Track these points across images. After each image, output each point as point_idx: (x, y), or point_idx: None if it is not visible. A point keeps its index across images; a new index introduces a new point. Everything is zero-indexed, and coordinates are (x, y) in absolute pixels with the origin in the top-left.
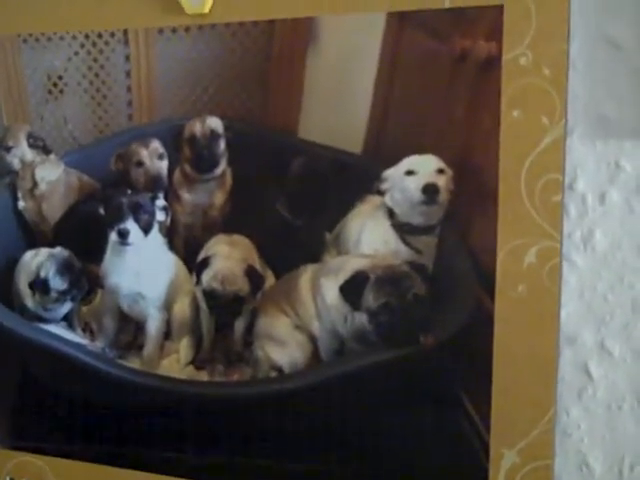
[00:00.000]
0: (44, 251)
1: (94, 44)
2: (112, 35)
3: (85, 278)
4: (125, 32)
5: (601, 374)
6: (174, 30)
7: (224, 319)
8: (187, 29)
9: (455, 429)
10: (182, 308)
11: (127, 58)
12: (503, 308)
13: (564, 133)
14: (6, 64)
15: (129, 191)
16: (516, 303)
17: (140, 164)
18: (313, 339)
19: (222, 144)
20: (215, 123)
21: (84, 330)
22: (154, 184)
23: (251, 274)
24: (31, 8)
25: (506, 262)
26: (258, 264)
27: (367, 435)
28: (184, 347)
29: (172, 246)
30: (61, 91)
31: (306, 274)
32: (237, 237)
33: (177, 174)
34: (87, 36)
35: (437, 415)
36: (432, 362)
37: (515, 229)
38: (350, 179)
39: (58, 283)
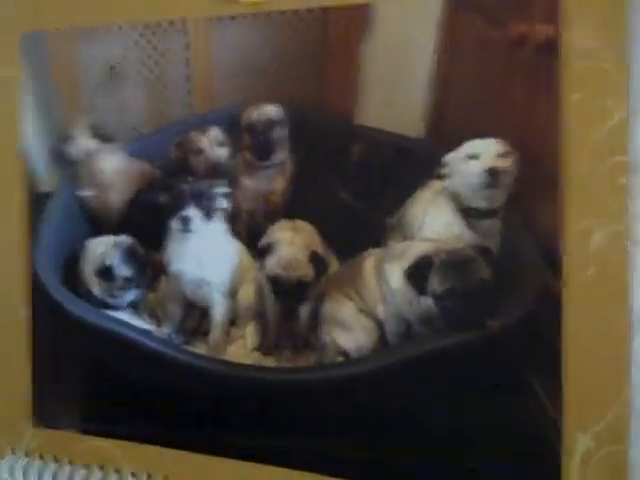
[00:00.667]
0: (109, 239)
1: (154, 33)
2: (171, 24)
3: (149, 265)
4: (184, 21)
5: None
6: (232, 18)
7: (289, 304)
8: (243, 17)
9: (526, 414)
10: (247, 294)
11: (186, 46)
12: (572, 291)
13: (628, 114)
14: (67, 56)
15: (190, 178)
16: (585, 286)
17: (200, 151)
18: (379, 323)
19: (279, 131)
20: (271, 110)
21: (150, 316)
22: (214, 171)
23: (315, 259)
24: (88, 2)
25: (573, 245)
26: (321, 249)
27: (434, 421)
28: (250, 333)
29: (234, 232)
30: (121, 81)
31: (370, 259)
32: (300, 223)
33: (238, 161)
34: (147, 25)
35: (507, 400)
36: (500, 346)
37: (581, 211)
38: (411, 164)
39: (123, 270)
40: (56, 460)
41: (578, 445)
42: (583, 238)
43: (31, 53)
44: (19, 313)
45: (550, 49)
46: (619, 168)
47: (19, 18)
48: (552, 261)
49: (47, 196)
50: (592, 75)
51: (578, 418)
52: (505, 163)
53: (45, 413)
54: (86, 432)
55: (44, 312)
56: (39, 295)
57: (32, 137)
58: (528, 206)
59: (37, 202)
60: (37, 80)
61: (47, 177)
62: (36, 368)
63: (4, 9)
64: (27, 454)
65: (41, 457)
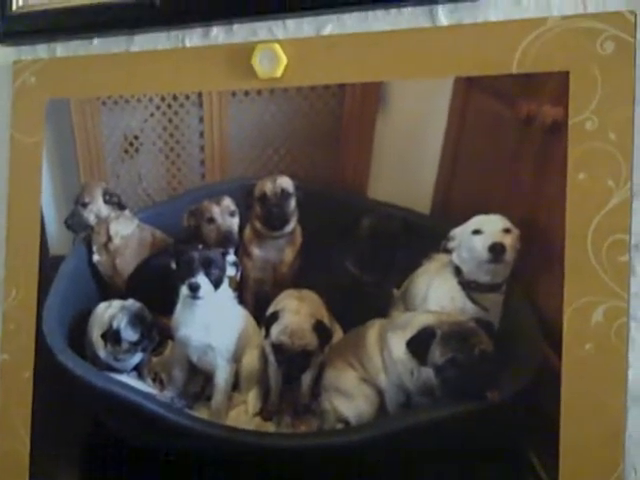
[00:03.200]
0: (117, 303)
1: (169, 106)
2: (187, 97)
3: (156, 330)
4: (199, 95)
5: None
6: (247, 93)
7: (292, 372)
8: (259, 92)
9: None
10: (251, 360)
11: (201, 119)
12: (570, 366)
13: (630, 195)
14: (85, 125)
15: (200, 246)
16: (583, 361)
17: (212, 220)
18: (380, 392)
19: (292, 203)
20: (286, 182)
21: (154, 380)
22: (225, 240)
23: (319, 329)
24: (111, 72)
25: (573, 320)
26: (326, 319)
27: None
28: (252, 398)
29: (242, 300)
30: (137, 150)
31: (373, 329)
32: (306, 292)
33: (248, 231)
34: (163, 98)
35: (503, 472)
36: (498, 418)
37: (582, 288)
38: (418, 237)
39: (129, 334)
40: None
41: None
42: (583, 314)
43: (55, 119)
44: (23, 375)
45: (557, 130)
46: (620, 246)
47: (45, 85)
48: (552, 336)
49: (59, 259)
50: (596, 156)
51: None
52: (509, 239)
53: (43, 472)
54: None
55: (48, 374)
56: (44, 356)
57: (49, 202)
58: (530, 281)
59: (49, 265)
60: (59, 146)
61: (60, 241)
62: (35, 429)
63: (32, 75)
64: None
65: None
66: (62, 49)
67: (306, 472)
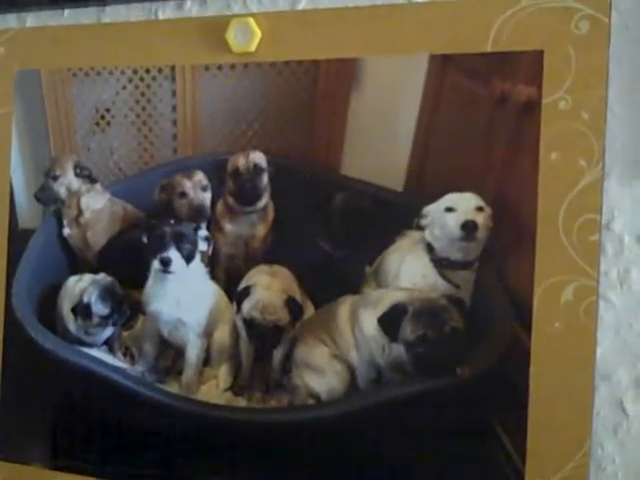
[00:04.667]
0: (87, 277)
1: (142, 79)
2: (159, 71)
3: (127, 304)
4: (172, 68)
5: (636, 410)
6: (220, 67)
7: (263, 347)
8: (233, 66)
9: (490, 461)
10: (222, 335)
11: (173, 93)
12: (539, 343)
13: (602, 175)
14: (56, 96)
15: (172, 221)
16: (552, 339)
17: (183, 195)
18: (351, 368)
19: (265, 178)
20: (259, 158)
21: (124, 354)
22: (197, 215)
23: (291, 304)
24: (82, 43)
25: (543, 299)
26: (298, 295)
27: (401, 465)
28: (223, 373)
29: (213, 275)
30: (108, 123)
31: (345, 305)
32: (278, 268)
33: (220, 206)
34: (135, 71)
35: (472, 447)
36: (468, 394)
37: (552, 267)
38: (390, 214)
39: (100, 308)
40: None
41: None
42: (553, 292)
43: (25, 90)
44: None
45: (531, 109)
46: (590, 226)
47: (15, 56)
48: (522, 313)
49: (29, 233)
50: (569, 136)
51: (540, 467)
52: (482, 217)
53: (13, 447)
54: (54, 468)
55: (17, 347)
56: (13, 330)
57: (19, 174)
58: (502, 259)
59: (19, 238)
60: (29, 118)
61: (30, 214)
62: (4, 401)
63: (2, 46)
64: None
65: None
66: (32, 19)
67: (276, 447)
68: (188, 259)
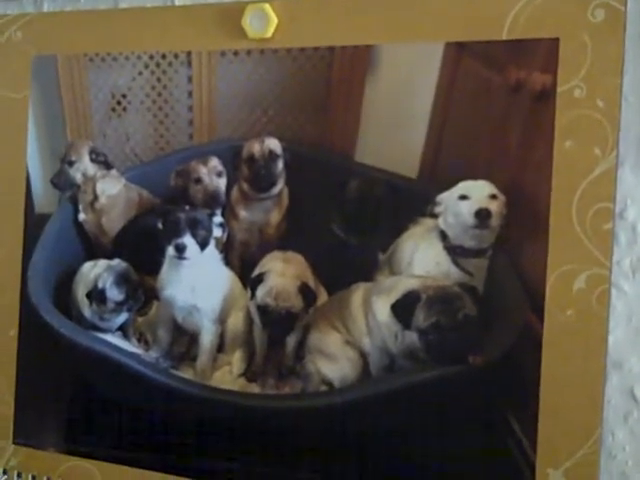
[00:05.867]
0: (102, 262)
1: (158, 65)
2: (176, 56)
3: (141, 290)
4: (188, 54)
5: None
6: (236, 53)
7: (277, 334)
8: (249, 52)
9: (501, 448)
10: (236, 322)
11: (189, 79)
12: (552, 331)
13: (616, 164)
14: (72, 82)
15: (187, 207)
16: (564, 327)
17: (199, 181)
18: (363, 355)
19: (280, 164)
20: (274, 144)
21: (139, 340)
22: (212, 201)
23: (304, 291)
24: (99, 29)
25: (556, 287)
26: (311, 281)
27: (414, 452)
28: (237, 360)
29: (228, 261)
30: (124, 109)
31: (358, 292)
32: (292, 254)
33: (235, 192)
34: (151, 57)
35: (484, 434)
36: (480, 382)
37: (565, 255)
38: (404, 202)
39: (115, 294)
40: (35, 479)
41: None
42: (566, 280)
43: (42, 76)
44: (8, 333)
45: (546, 97)
46: (604, 214)
47: (31, 41)
48: (534, 301)
49: (45, 218)
50: (584, 124)
51: (551, 454)
52: (495, 205)
53: (27, 432)
54: (68, 452)
55: (33, 332)
56: (29, 315)
57: (35, 160)
58: (515, 247)
59: (35, 224)
60: (45, 103)
61: (46, 199)
62: (20, 387)
63: (19, 30)
64: (5, 472)
65: (19, 475)
66: (49, 4)
67: (289, 434)
68: (203, 245)
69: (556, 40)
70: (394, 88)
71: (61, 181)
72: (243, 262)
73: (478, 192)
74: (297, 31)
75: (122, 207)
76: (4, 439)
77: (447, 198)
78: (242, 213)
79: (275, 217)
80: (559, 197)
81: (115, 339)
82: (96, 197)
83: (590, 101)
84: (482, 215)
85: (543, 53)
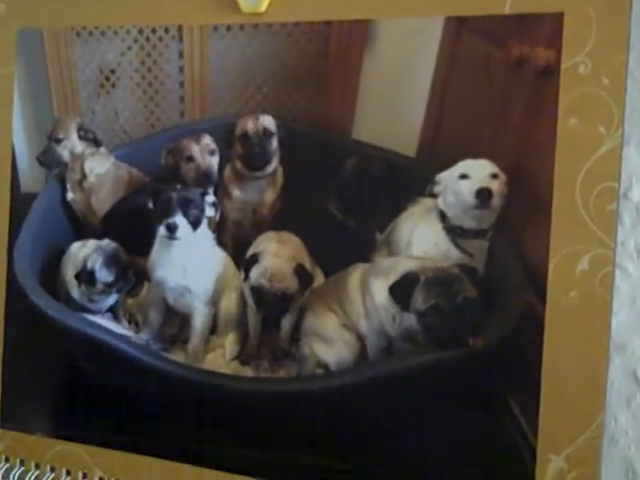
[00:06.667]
0: (91, 243)
1: (148, 39)
2: (166, 31)
3: (132, 271)
4: (179, 28)
5: None
6: (229, 28)
7: (271, 316)
8: (242, 27)
9: (502, 433)
10: (229, 304)
11: (180, 54)
12: (554, 314)
13: (621, 142)
14: (59, 56)
15: (179, 186)
16: (567, 309)
17: (191, 159)
18: (361, 338)
19: (274, 142)
20: (268, 121)
21: (129, 322)
22: (204, 179)
23: (300, 272)
24: (86, 1)
25: (558, 268)
26: (307, 262)
27: (412, 436)
28: (230, 342)
29: (221, 242)
30: (113, 85)
31: (355, 273)
32: (286, 235)
33: (228, 170)
34: (141, 31)
35: (484, 418)
36: (480, 365)
37: (569, 236)
38: (403, 181)
39: (104, 275)
40: (23, 463)
41: (551, 465)
42: (569, 262)
43: (27, 50)
44: None
45: (549, 73)
46: (608, 194)
47: (16, 14)
48: (537, 283)
49: (31, 197)
50: (588, 101)
51: (552, 439)
52: (496, 185)
53: (15, 415)
54: (57, 437)
55: (20, 314)
56: (16, 296)
57: (21, 137)
58: (517, 228)
59: (21, 203)
60: (31, 78)
61: (32, 178)
62: (6, 370)
63: (2, 3)
64: None
65: (7, 460)
66: None
67: (284, 418)
68: (195, 225)
69: (560, 14)
70: (392, 64)
71: (48, 159)
72: (236, 242)
73: (479, 171)
74: (292, 5)
75: (111, 186)
76: None
77: (447, 177)
78: (235, 192)
79: (269, 196)
80: (562, 177)
81: (105, 321)
82: (84, 176)
83: (595, 78)
84: (483, 195)
85: (546, 28)
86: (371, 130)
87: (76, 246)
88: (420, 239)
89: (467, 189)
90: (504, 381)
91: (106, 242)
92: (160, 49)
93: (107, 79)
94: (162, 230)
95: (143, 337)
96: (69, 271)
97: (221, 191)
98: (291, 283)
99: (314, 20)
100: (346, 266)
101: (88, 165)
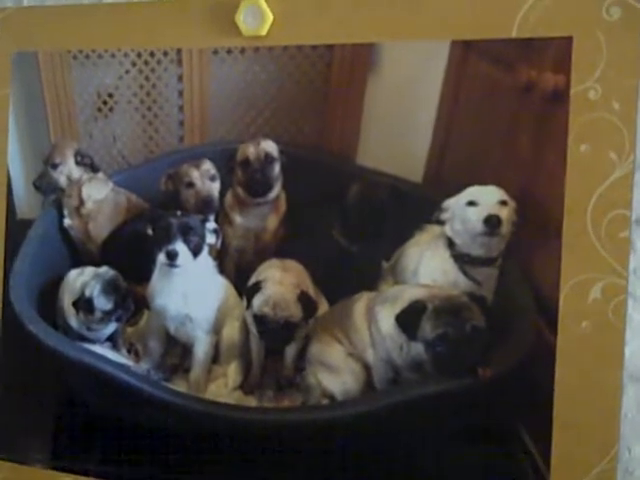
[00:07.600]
0: (89, 270)
1: (146, 62)
2: (165, 54)
3: (131, 299)
4: (178, 51)
5: None
6: (229, 51)
7: (275, 344)
8: (243, 51)
9: (513, 465)
10: (231, 332)
11: (180, 78)
12: (566, 343)
13: (633, 168)
14: (55, 80)
15: (179, 212)
16: (579, 339)
17: (191, 185)
18: (367, 367)
19: (277, 168)
20: (270, 146)
21: (129, 351)
22: (205, 206)
23: (304, 300)
24: (82, 24)
25: (570, 297)
26: (311, 290)
27: (419, 468)
28: (232, 371)
29: (222, 269)
30: (111, 109)
31: (361, 302)
32: (290, 262)
33: (229, 197)
34: (139, 54)
35: (494, 450)
36: (490, 395)
37: (580, 264)
38: (409, 207)
39: (103, 303)
40: None
41: None
42: (580, 291)
43: (22, 73)
44: None
45: (559, 98)
46: (620, 222)
47: (12, 37)
48: (547, 312)
49: (28, 223)
50: (599, 127)
51: (566, 472)
52: (505, 212)
53: (12, 447)
54: (55, 468)
55: (16, 342)
56: (12, 325)
57: (17, 162)
58: (526, 256)
59: (17, 230)
60: (27, 102)
61: (29, 204)
62: (3, 400)
63: None
64: None
65: None
66: None
67: (289, 449)
68: (195, 252)
69: (569, 39)
70: (397, 88)
71: (44, 184)
72: (238, 270)
73: (487, 198)
74: (294, 28)
75: (110, 212)
76: None
77: (454, 204)
78: (237, 219)
79: (272, 223)
80: (573, 204)
81: (104, 350)
82: (82, 202)
83: (605, 103)
84: (491, 222)
85: (555, 52)
86: (376, 155)
87: (74, 273)
88: (427, 267)
89: (475, 216)
90: (515, 412)
91: (104, 269)
92: (159, 73)
93: (105, 103)
94: (162, 257)
95: (143, 366)
96: (67, 299)
97: (222, 217)
98: (295, 311)
99: (316, 44)
100: (351, 294)
101: (86, 191)
